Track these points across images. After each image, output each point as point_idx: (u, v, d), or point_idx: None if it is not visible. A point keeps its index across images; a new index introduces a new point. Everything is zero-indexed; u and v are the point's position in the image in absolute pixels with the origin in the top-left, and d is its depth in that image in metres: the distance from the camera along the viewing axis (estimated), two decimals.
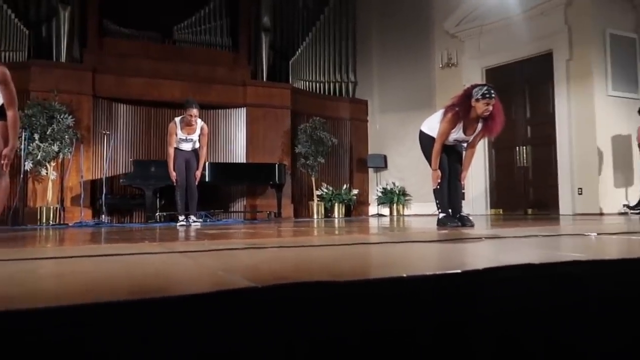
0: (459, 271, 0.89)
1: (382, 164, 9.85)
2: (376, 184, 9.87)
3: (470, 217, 3.66)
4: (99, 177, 7.79)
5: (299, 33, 10.25)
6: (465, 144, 3.69)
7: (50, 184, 7.24)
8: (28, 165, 7.07)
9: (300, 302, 0.72)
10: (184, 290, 0.78)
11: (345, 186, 9.58)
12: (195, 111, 5.14)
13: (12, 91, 3.05)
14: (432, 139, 3.59)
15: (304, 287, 0.75)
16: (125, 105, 8.39)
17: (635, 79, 7.22)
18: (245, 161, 8.87)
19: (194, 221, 5.31)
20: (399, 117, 9.51)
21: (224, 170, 8.13)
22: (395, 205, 9.47)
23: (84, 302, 0.64)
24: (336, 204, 9.26)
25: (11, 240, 2.84)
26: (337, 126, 9.88)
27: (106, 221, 7.16)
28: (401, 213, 9.50)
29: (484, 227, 3.63)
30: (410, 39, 9.49)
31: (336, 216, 9.17)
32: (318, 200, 9.15)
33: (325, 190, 9.28)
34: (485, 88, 3.35)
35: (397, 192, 9.46)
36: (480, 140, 3.71)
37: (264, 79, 9.39)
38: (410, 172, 8.93)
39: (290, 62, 9.95)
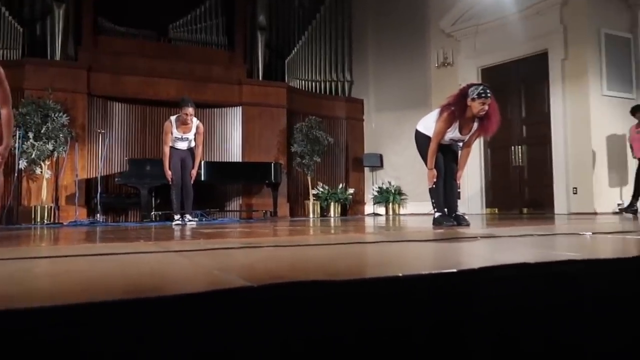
0: (454, 270, 0.89)
1: (378, 163, 9.86)
2: (372, 183, 9.88)
3: (466, 217, 3.67)
4: (94, 175, 7.76)
5: (295, 32, 10.24)
6: (461, 144, 3.69)
7: (44, 182, 7.20)
8: (22, 164, 7.03)
9: (296, 302, 0.72)
10: (180, 289, 0.78)
11: (341, 185, 9.59)
12: (191, 110, 5.13)
13: (7, 89, 3.03)
14: (428, 138, 3.59)
15: (299, 287, 0.75)
16: (120, 104, 8.36)
17: (630, 79, 7.26)
18: (241, 160, 8.86)
19: (190, 220, 5.30)
20: (394, 116, 9.52)
21: (219, 169, 8.11)
22: (391, 204, 9.48)
23: (79, 301, 0.64)
24: (332, 203, 9.26)
25: (5, 240, 2.83)
26: (333, 125, 9.88)
27: (101, 220, 7.14)
28: (397, 212, 9.51)
29: (480, 226, 3.64)
30: (406, 38, 9.50)
31: (332, 215, 9.17)
32: (314, 200, 9.15)
33: (321, 189, 9.28)
34: (481, 87, 3.35)
35: (393, 191, 9.47)
36: (476, 139, 3.72)
37: (260, 78, 9.38)
38: (406, 171, 8.95)
39: (286, 61, 9.94)
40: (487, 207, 8.36)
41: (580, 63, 7.09)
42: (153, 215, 7.40)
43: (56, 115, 7.19)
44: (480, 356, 0.82)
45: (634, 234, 2.14)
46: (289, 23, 10.26)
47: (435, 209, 3.64)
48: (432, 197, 3.67)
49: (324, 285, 0.77)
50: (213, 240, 2.25)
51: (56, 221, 7.08)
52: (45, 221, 6.92)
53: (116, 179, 7.53)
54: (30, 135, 7.02)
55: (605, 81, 7.06)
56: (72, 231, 4.00)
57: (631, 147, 6.56)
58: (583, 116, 7.07)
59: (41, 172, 7.20)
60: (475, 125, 3.49)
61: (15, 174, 6.93)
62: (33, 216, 6.99)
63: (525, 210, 7.82)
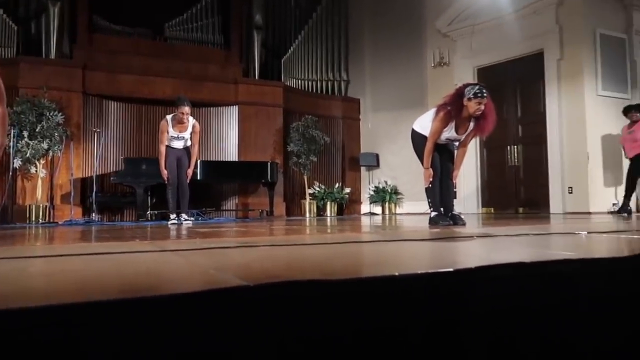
0: (451, 270, 0.89)
1: (374, 162, 9.86)
2: (368, 183, 9.89)
3: (462, 216, 3.68)
4: (89, 175, 7.73)
5: (291, 31, 10.24)
6: (457, 143, 3.70)
7: (39, 181, 7.17)
8: (17, 163, 7.00)
9: (292, 301, 0.72)
10: (176, 289, 0.78)
11: (337, 185, 9.59)
12: (187, 109, 5.12)
13: (1, 87, 3.01)
14: (424, 137, 3.60)
15: (296, 286, 0.75)
16: (115, 103, 8.33)
17: (625, 79, 7.29)
18: (237, 159, 8.85)
19: (186, 219, 5.29)
20: (391, 115, 9.53)
21: (215, 169, 8.10)
22: (387, 203, 9.49)
23: (74, 301, 0.64)
24: (328, 203, 9.26)
25: (0, 239, 2.81)
26: (329, 124, 9.88)
27: (96, 219, 7.11)
28: (393, 212, 9.53)
29: (476, 225, 3.65)
30: (403, 37, 9.51)
31: (328, 215, 9.18)
32: (310, 199, 9.15)
33: (318, 188, 9.29)
34: (477, 87, 3.36)
35: (389, 190, 9.48)
36: (472, 139, 3.73)
37: (256, 77, 9.37)
38: (403, 170, 8.96)
39: (282, 60, 9.93)
40: (483, 206, 8.38)
41: (576, 63, 7.12)
42: (149, 215, 7.38)
43: (51, 113, 7.15)
44: (477, 355, 0.82)
45: (629, 233, 2.15)
46: (285, 22, 10.26)
47: (432, 209, 3.65)
48: (428, 197, 3.68)
49: (320, 284, 0.77)
50: (209, 240, 2.25)
51: (51, 220, 7.05)
52: (40, 220, 6.88)
53: (112, 178, 7.50)
54: (25, 134, 6.98)
55: (601, 81, 7.09)
56: (67, 230, 3.98)
57: (623, 148, 6.60)
58: (578, 116, 7.09)
59: (36, 171, 7.17)
60: (472, 124, 3.50)
61: (10, 173, 6.89)
62: (28, 215, 6.96)
63: (521, 209, 7.84)
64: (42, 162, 7.23)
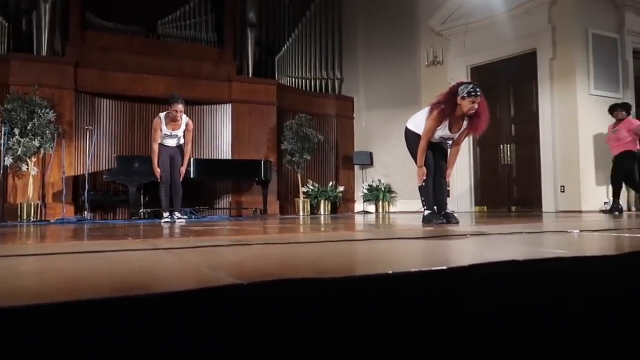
0: (444, 268, 0.89)
1: (367, 161, 9.88)
2: (362, 181, 9.90)
3: (455, 214, 3.69)
4: (81, 172, 7.68)
5: (285, 29, 10.22)
6: (450, 142, 3.71)
7: (31, 179, 7.11)
8: (8, 161, 6.94)
9: (285, 299, 0.72)
10: (168, 287, 0.77)
11: (331, 183, 9.59)
12: (180, 107, 5.10)
13: None
14: (418, 136, 3.61)
15: (289, 284, 0.75)
16: (108, 100, 8.28)
17: (617, 79, 7.35)
18: (230, 157, 8.83)
19: (179, 218, 5.27)
20: (384, 114, 9.54)
21: (209, 167, 8.07)
22: (380, 202, 9.51)
23: (66, 299, 0.63)
24: (322, 201, 9.26)
25: None
26: (323, 123, 9.88)
27: (89, 218, 7.06)
28: (387, 210, 9.55)
29: (469, 224, 3.66)
30: (396, 36, 9.52)
31: (322, 213, 9.18)
32: (304, 197, 9.15)
33: (311, 187, 9.28)
34: (470, 86, 3.37)
35: (382, 189, 9.50)
36: (465, 137, 3.74)
37: (250, 75, 9.34)
38: (396, 169, 8.98)
39: (276, 59, 9.91)
40: (476, 205, 8.42)
41: (568, 62, 7.16)
42: (141, 213, 7.34)
43: (42, 111, 7.10)
44: (470, 353, 0.82)
45: (620, 231, 2.17)
46: (279, 20, 10.24)
47: (425, 207, 3.66)
48: (421, 195, 3.68)
49: (313, 282, 0.77)
50: (202, 238, 2.24)
51: (43, 219, 7.00)
52: (32, 219, 6.83)
53: (104, 176, 7.46)
54: (16, 131, 6.92)
55: (593, 81, 7.14)
56: (59, 229, 3.95)
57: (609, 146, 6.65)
58: (571, 115, 7.14)
59: (27, 169, 7.11)
60: (465, 123, 3.51)
61: (1, 171, 6.83)
62: (19, 213, 6.90)
63: (513, 208, 7.89)
64: (34, 159, 7.17)
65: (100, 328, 0.60)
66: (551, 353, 0.88)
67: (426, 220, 3.55)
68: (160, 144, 5.21)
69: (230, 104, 8.96)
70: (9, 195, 7.26)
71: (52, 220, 6.61)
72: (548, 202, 7.33)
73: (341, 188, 9.66)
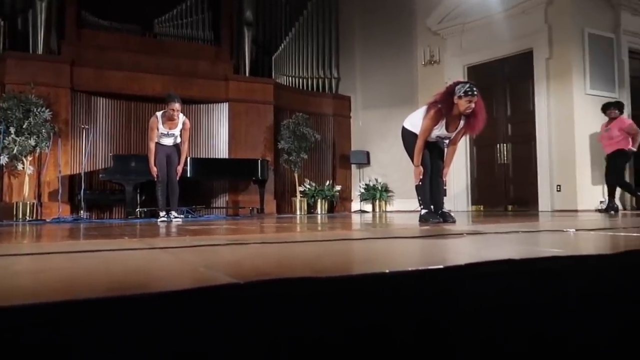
0: (441, 267, 0.90)
1: (364, 160, 9.88)
2: (359, 180, 9.91)
3: (452, 214, 3.69)
4: (77, 172, 7.65)
5: (282, 28, 10.21)
6: (447, 141, 3.71)
7: (27, 178, 7.08)
8: (4, 160, 6.91)
9: (282, 299, 0.72)
10: (165, 286, 0.77)
11: (328, 182, 9.59)
12: (177, 105, 5.09)
13: None
14: (415, 135, 3.61)
15: (286, 283, 0.75)
16: (104, 99, 8.25)
17: (613, 79, 7.37)
18: (227, 157, 8.82)
19: (175, 217, 5.26)
20: (381, 113, 9.55)
21: (205, 166, 8.06)
22: (377, 201, 9.52)
23: (62, 299, 0.63)
24: (319, 200, 9.26)
25: None
26: (320, 122, 9.87)
27: (85, 217, 7.04)
28: (384, 209, 9.56)
29: (466, 223, 3.67)
30: (393, 35, 9.53)
31: (319, 212, 9.18)
32: (301, 196, 9.15)
33: (308, 186, 9.28)
34: (467, 85, 3.37)
35: (379, 188, 9.51)
36: (462, 137, 3.75)
37: (247, 74, 9.33)
38: (393, 168, 8.98)
39: (273, 57, 9.90)
40: (472, 204, 8.44)
41: (565, 62, 7.18)
42: (138, 212, 7.32)
43: (38, 110, 7.07)
44: (467, 352, 0.82)
45: (615, 230, 2.18)
46: (275, 19, 10.23)
47: (422, 206, 3.66)
48: (418, 194, 3.69)
49: (311, 282, 0.77)
50: (199, 237, 2.24)
51: (39, 218, 6.97)
52: (28, 218, 6.81)
53: (100, 175, 7.44)
54: (12, 130, 6.89)
55: (589, 80, 7.16)
56: (55, 228, 3.94)
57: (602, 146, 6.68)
58: (567, 115, 7.16)
59: (23, 167, 7.08)
60: (462, 122, 3.52)
61: None
62: (15, 213, 6.87)
63: (510, 207, 7.91)
64: (30, 158, 7.14)
65: (96, 328, 0.60)
66: (548, 352, 0.89)
67: (423, 220, 3.56)
68: (157, 143, 5.20)
69: (227, 103, 8.94)
70: (5, 194, 7.23)
71: (48, 220, 6.58)
72: (544, 201, 7.35)
73: (338, 187, 9.67)
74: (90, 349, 0.59)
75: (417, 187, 3.68)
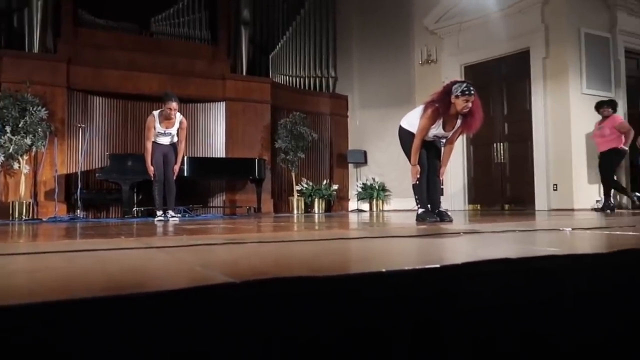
0: (437, 266, 0.90)
1: (362, 159, 9.89)
2: (356, 180, 9.91)
3: (449, 213, 3.70)
4: (73, 171, 7.62)
5: (279, 27, 10.20)
6: (444, 140, 3.72)
7: (23, 178, 7.05)
8: None
9: (279, 298, 0.72)
10: (161, 286, 0.77)
11: (325, 181, 9.59)
12: (175, 105, 5.08)
13: None
14: (412, 134, 3.61)
15: (283, 283, 0.75)
16: (101, 98, 8.23)
17: (609, 78, 7.40)
18: (224, 156, 8.80)
19: (172, 216, 5.25)
20: (378, 112, 9.55)
21: (202, 165, 8.05)
22: (375, 200, 9.52)
23: (59, 298, 0.63)
24: (316, 200, 9.26)
25: None
26: (317, 121, 9.87)
27: (81, 216, 7.02)
28: (381, 208, 9.56)
29: (462, 222, 3.68)
30: (390, 35, 9.53)
31: (316, 211, 9.18)
32: (298, 196, 9.15)
33: (305, 185, 9.28)
34: (464, 85, 3.38)
35: (376, 187, 9.52)
36: (459, 136, 3.75)
37: (244, 73, 9.32)
38: (390, 167, 8.99)
39: (270, 57, 9.89)
40: (469, 203, 8.45)
41: (561, 62, 7.20)
42: (135, 212, 7.31)
43: (34, 109, 7.03)
44: (464, 351, 0.83)
45: (611, 229, 2.19)
46: (273, 18, 10.22)
47: (419, 205, 3.66)
48: (415, 194, 3.69)
49: (308, 281, 0.77)
50: (196, 237, 2.23)
51: (35, 217, 6.95)
52: (24, 217, 6.78)
53: (97, 175, 7.41)
54: (8, 129, 6.86)
55: (585, 80, 7.19)
56: (52, 227, 3.93)
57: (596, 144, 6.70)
58: (563, 114, 7.19)
59: (19, 167, 7.05)
60: (459, 122, 3.52)
61: None
62: (11, 212, 6.85)
63: (506, 206, 7.93)
64: (26, 158, 7.11)
65: (93, 327, 0.60)
66: (544, 351, 0.89)
67: (420, 219, 3.56)
68: (154, 142, 5.19)
69: (224, 102, 8.93)
70: (1, 193, 7.20)
71: (44, 219, 6.56)
72: (541, 200, 7.37)
73: (335, 186, 9.67)
74: (86, 349, 0.59)
75: (414, 186, 3.68)
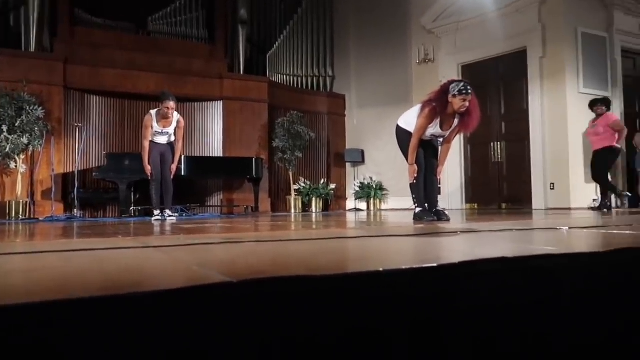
0: (435, 265, 0.90)
1: (359, 158, 9.89)
2: (354, 179, 9.91)
3: (446, 212, 3.70)
4: (70, 170, 7.61)
5: (277, 26, 10.19)
6: (441, 139, 3.72)
7: (19, 177, 7.04)
8: None
9: (277, 297, 0.72)
10: (158, 285, 0.77)
11: (322, 181, 9.60)
12: (172, 104, 5.07)
13: None
14: (409, 133, 3.62)
15: (280, 282, 0.75)
16: (98, 97, 8.21)
17: (606, 78, 7.42)
18: (222, 155, 8.79)
19: (170, 216, 5.24)
20: (376, 112, 9.56)
21: (200, 164, 8.04)
22: (372, 199, 9.53)
23: (55, 298, 0.63)
24: (314, 199, 9.27)
25: None
26: (314, 120, 9.87)
27: (78, 216, 7.00)
28: (378, 207, 9.57)
29: (460, 221, 3.68)
30: (388, 34, 9.53)
31: (314, 211, 9.18)
32: (295, 195, 9.15)
33: (303, 184, 9.28)
34: (462, 84, 3.38)
35: (374, 186, 9.52)
36: (456, 135, 3.75)
37: (241, 72, 9.31)
38: (388, 166, 9.00)
39: (267, 56, 9.88)
40: (466, 202, 8.47)
41: (558, 61, 7.22)
42: (132, 211, 7.30)
43: (31, 108, 7.02)
44: (461, 350, 0.83)
45: (608, 228, 2.19)
46: (270, 17, 10.21)
47: (416, 204, 3.67)
48: (412, 193, 3.70)
49: (305, 280, 0.76)
50: (193, 236, 2.23)
51: (32, 217, 6.93)
52: (21, 217, 6.76)
53: (94, 174, 7.40)
54: (4, 128, 6.84)
55: (582, 79, 7.20)
56: (49, 227, 3.92)
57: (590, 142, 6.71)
58: (560, 113, 7.20)
59: (16, 166, 7.03)
60: (456, 121, 3.52)
61: None
62: (7, 211, 6.83)
63: (504, 205, 7.94)
64: (22, 157, 7.09)
65: (90, 327, 0.60)
66: (541, 350, 0.89)
67: (417, 218, 3.57)
68: (151, 142, 5.18)
69: (221, 101, 8.92)
70: None
71: (41, 218, 6.55)
72: (538, 199, 7.39)
73: (333, 186, 9.67)
74: (84, 349, 0.59)
75: (411, 185, 3.68)
